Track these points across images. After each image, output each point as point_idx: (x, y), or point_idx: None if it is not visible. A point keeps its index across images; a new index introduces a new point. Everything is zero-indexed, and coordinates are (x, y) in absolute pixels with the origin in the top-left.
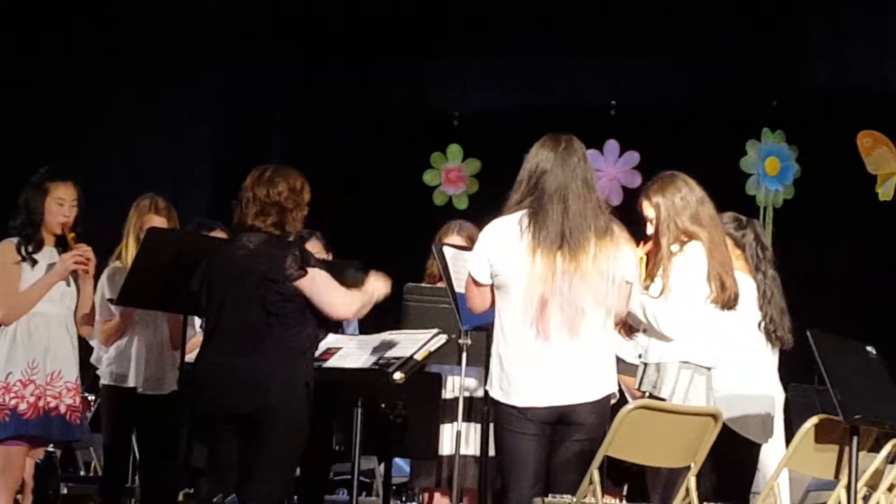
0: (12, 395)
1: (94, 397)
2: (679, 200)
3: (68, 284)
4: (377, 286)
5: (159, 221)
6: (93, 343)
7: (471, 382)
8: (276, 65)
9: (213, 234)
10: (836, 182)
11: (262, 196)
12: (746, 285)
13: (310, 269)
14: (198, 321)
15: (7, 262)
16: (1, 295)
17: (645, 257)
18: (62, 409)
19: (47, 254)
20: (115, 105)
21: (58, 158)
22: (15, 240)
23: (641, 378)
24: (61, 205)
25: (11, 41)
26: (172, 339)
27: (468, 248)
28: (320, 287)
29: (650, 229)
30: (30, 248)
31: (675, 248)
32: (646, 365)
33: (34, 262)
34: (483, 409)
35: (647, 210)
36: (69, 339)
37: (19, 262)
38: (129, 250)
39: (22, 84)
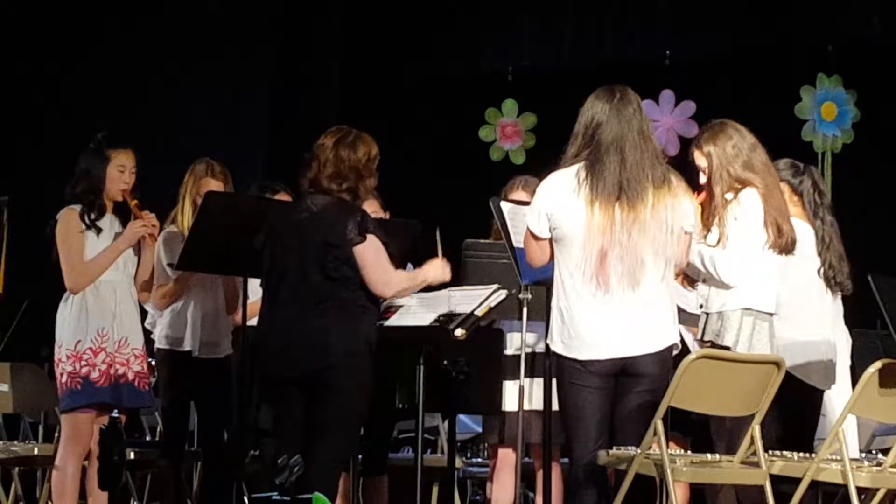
0: (83, 363)
1: (153, 361)
2: (731, 148)
3: (134, 253)
4: (429, 274)
5: (216, 185)
6: (147, 307)
7: (531, 337)
8: (329, 22)
9: (277, 196)
10: None
11: (343, 157)
12: (804, 231)
13: (368, 236)
14: (256, 286)
15: (73, 231)
16: (68, 264)
17: (700, 207)
18: (130, 375)
19: (108, 221)
20: (167, 68)
21: (110, 123)
22: (77, 207)
23: (704, 327)
24: (122, 171)
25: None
26: (228, 303)
27: (529, 204)
28: (371, 258)
29: (703, 179)
30: (93, 216)
31: (729, 196)
32: (708, 314)
33: (99, 231)
34: (545, 364)
35: (699, 159)
36: (133, 305)
37: (84, 231)
38: (186, 215)
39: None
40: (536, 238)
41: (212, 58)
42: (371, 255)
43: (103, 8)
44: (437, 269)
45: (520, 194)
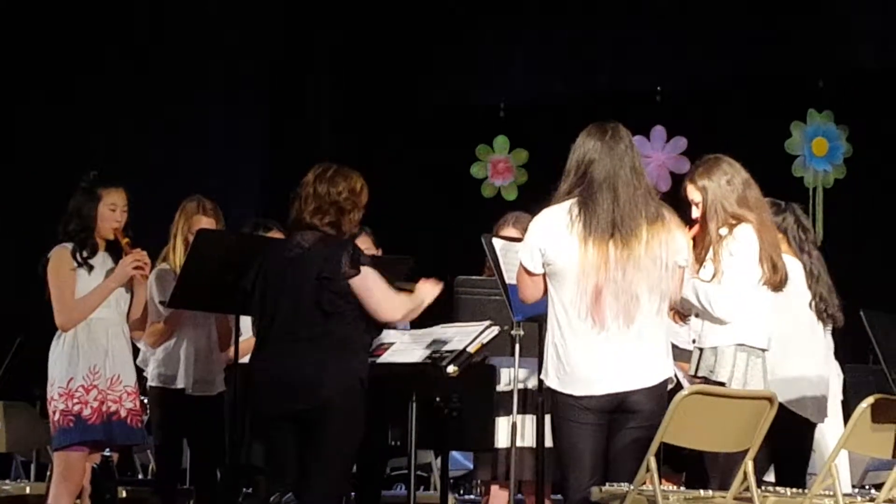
0: (75, 400)
1: (145, 399)
2: (725, 183)
3: (126, 290)
4: (426, 292)
5: (207, 222)
6: (139, 345)
7: (523, 373)
8: (319, 58)
9: (270, 234)
10: (890, 160)
11: (322, 193)
12: (794, 266)
13: (362, 268)
14: (248, 323)
15: (64, 269)
16: (59, 302)
17: (692, 241)
18: (123, 413)
19: (100, 259)
20: (157, 106)
21: (103, 161)
22: (69, 246)
23: (698, 363)
24: (113, 210)
25: (55, 44)
26: (221, 340)
27: (521, 240)
28: (371, 287)
29: (695, 213)
30: (85, 254)
31: (723, 231)
32: (701, 350)
33: (90, 268)
34: (537, 400)
35: (693, 194)
36: (126, 343)
37: (75, 269)
38: (177, 252)
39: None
40: (530, 273)
41: (200, 92)
42: (371, 283)
43: (99, 42)
44: (431, 288)
45: (511, 231)
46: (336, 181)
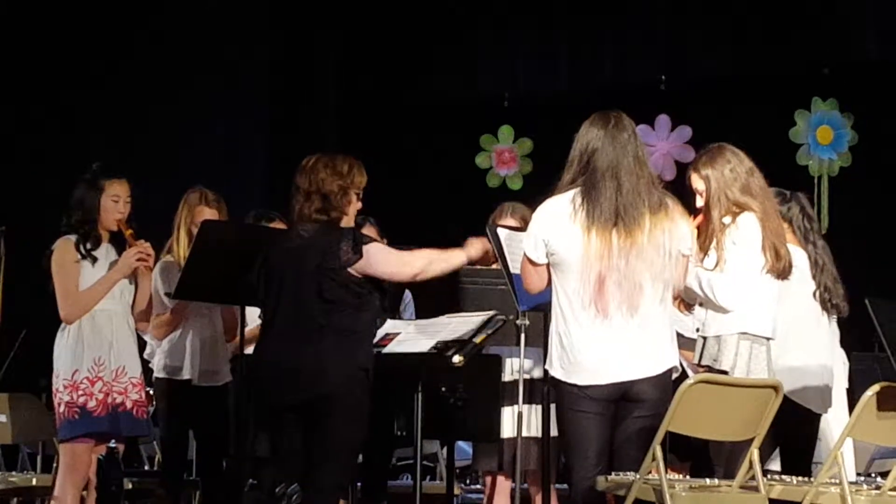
0: (80, 392)
1: (151, 391)
2: (729, 172)
3: (130, 282)
4: (474, 248)
5: (210, 214)
6: (146, 337)
7: (530, 363)
8: (324, 51)
9: (272, 224)
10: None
11: (304, 186)
12: (798, 256)
13: (364, 248)
14: (254, 313)
15: (67, 261)
16: (62, 294)
17: (696, 230)
18: (129, 404)
19: (104, 251)
20: (157, 105)
21: (107, 154)
22: (73, 237)
23: (701, 352)
24: (116, 201)
25: (55, 45)
26: (227, 331)
27: (521, 230)
28: (377, 257)
29: (700, 202)
30: (88, 246)
31: (727, 220)
32: (705, 338)
33: (94, 260)
34: (543, 390)
35: (697, 183)
36: (130, 334)
37: (79, 261)
38: (181, 244)
39: (74, 78)
40: (534, 264)
41: (206, 87)
42: (376, 255)
43: (100, 43)
44: (477, 245)
45: (508, 220)
46: (316, 169)
